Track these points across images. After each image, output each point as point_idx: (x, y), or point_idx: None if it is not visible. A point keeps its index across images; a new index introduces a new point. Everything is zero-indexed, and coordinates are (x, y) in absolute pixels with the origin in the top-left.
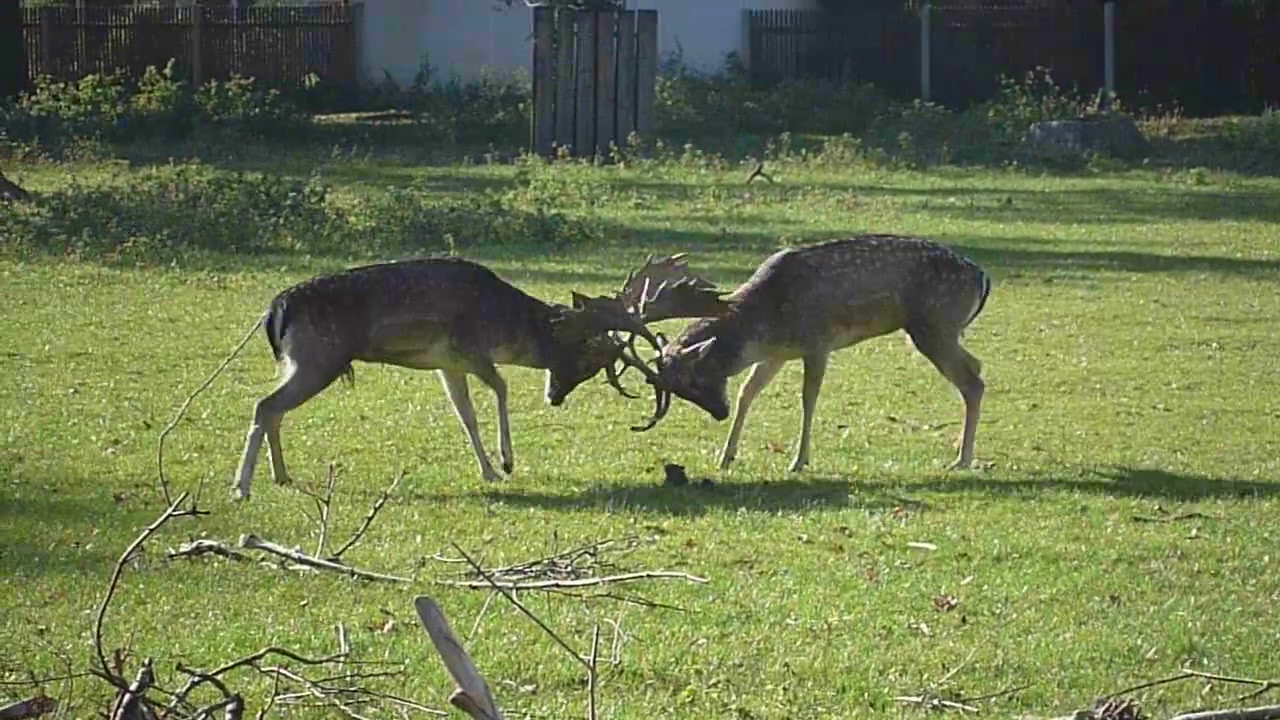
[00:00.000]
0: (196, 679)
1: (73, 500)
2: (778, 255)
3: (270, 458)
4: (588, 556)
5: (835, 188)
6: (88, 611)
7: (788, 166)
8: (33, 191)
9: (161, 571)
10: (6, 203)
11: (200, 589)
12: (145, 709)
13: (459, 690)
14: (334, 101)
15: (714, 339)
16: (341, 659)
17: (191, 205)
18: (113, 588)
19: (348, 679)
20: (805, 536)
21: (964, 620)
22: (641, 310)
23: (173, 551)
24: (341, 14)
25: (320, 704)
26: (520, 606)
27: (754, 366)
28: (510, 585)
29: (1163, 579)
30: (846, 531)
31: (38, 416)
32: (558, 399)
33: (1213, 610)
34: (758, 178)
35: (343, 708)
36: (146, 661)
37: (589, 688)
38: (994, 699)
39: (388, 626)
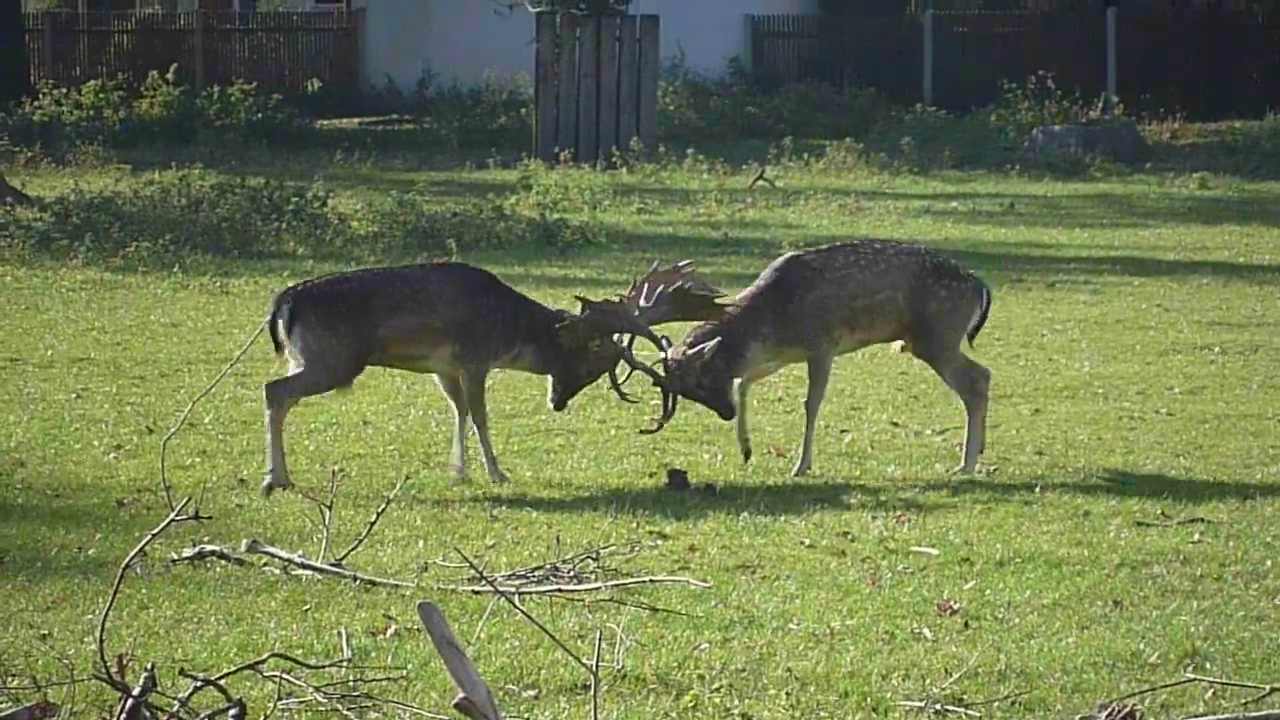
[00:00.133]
0: (199, 684)
1: (75, 505)
2: (782, 258)
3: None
4: (590, 561)
5: (837, 192)
6: (90, 616)
7: (790, 171)
8: (35, 196)
9: (164, 576)
10: (9, 208)
11: (203, 594)
12: (148, 714)
13: (461, 695)
14: (336, 106)
15: (719, 339)
16: (344, 664)
17: (194, 210)
18: (115, 593)
19: (350, 684)
20: (808, 541)
21: (966, 625)
22: (641, 313)
23: (175, 556)
24: (344, 19)
25: (323, 709)
26: (523, 611)
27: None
28: (513, 590)
29: (1165, 584)
30: (849, 536)
31: (40, 421)
32: (560, 404)
33: (1215, 615)
34: (760, 182)
35: (345, 713)
36: (149, 666)
37: (591, 693)
38: (996, 704)
39: (390, 631)
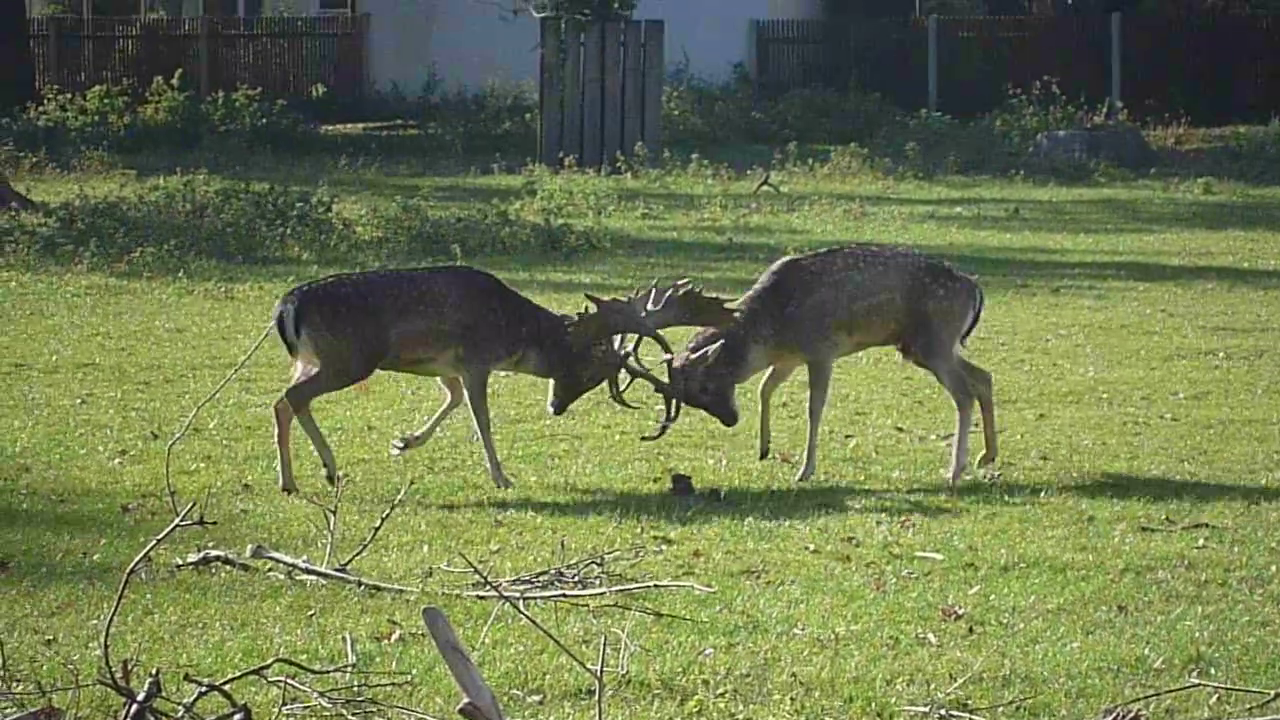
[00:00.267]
0: (204, 689)
1: (80, 510)
2: (779, 262)
3: (280, 464)
4: (595, 566)
5: (842, 198)
6: (95, 622)
7: (794, 176)
8: (40, 202)
9: (169, 581)
10: (14, 213)
11: (207, 599)
12: (152, 719)
13: (466, 700)
14: (341, 112)
15: (721, 342)
16: (349, 669)
17: (199, 215)
18: (120, 598)
19: (355, 689)
20: (812, 546)
21: (971, 630)
22: (647, 317)
23: (180, 561)
24: (348, 24)
25: (327, 714)
26: (527, 616)
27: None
28: (517, 595)
29: (1170, 589)
30: (853, 541)
31: (45, 427)
32: (560, 409)
33: (1220, 620)
34: (764, 188)
35: (350, 718)
36: (154, 671)
37: (596, 698)
38: (1001, 709)
39: (395, 636)
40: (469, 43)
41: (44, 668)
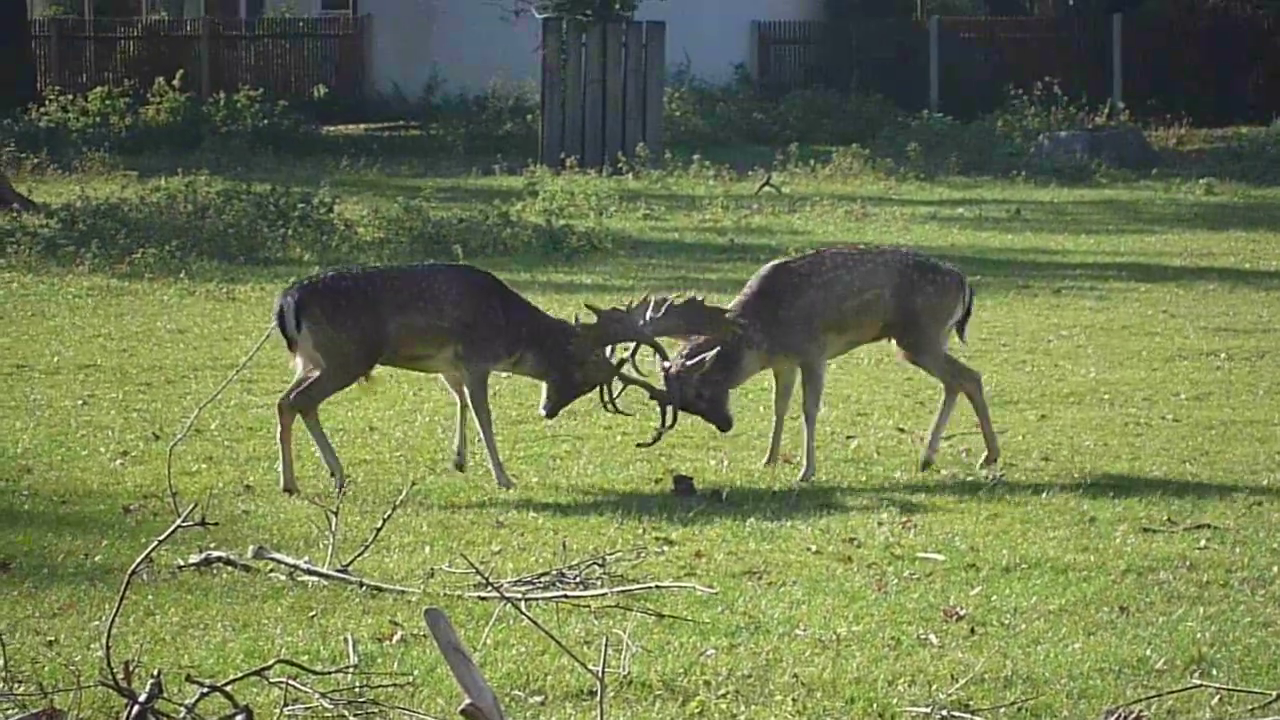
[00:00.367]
0: (205, 690)
1: (81, 512)
2: (768, 266)
3: (281, 465)
4: (596, 567)
5: (843, 198)
6: (97, 623)
7: (796, 177)
8: (41, 203)
9: (170, 583)
10: (15, 214)
11: (209, 600)
12: None
13: (468, 701)
14: (342, 113)
15: (717, 349)
16: (350, 670)
17: (200, 216)
18: (121, 599)
19: (356, 690)
20: (814, 547)
21: (973, 631)
22: (648, 324)
23: (181, 563)
24: (350, 25)
25: (329, 715)
26: (529, 617)
27: (779, 377)
28: (519, 596)
29: (1171, 590)
30: (855, 542)
31: (46, 428)
32: (552, 413)
33: (1222, 621)
34: (766, 188)
35: (351, 719)
36: (155, 673)
37: (598, 699)
38: (1003, 710)
39: (396, 637)
40: (470, 43)
41: (46, 669)
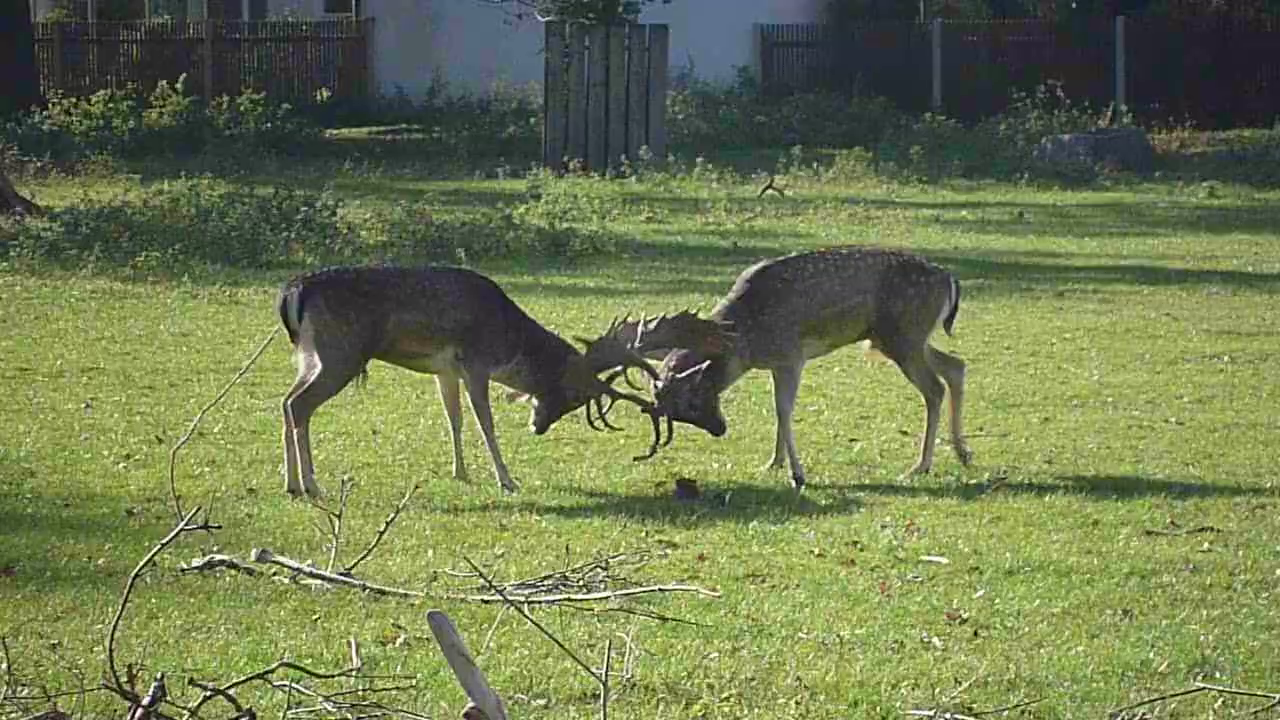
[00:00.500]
0: (209, 693)
1: (85, 515)
2: (751, 270)
3: (285, 466)
4: (599, 570)
5: (847, 201)
6: (100, 626)
7: (799, 180)
8: (45, 206)
9: (173, 586)
10: (19, 218)
11: (212, 603)
12: None
13: (471, 704)
14: (346, 116)
15: (707, 363)
16: (353, 673)
17: (203, 220)
18: (125, 602)
19: (360, 693)
20: (817, 550)
21: (976, 634)
22: (640, 340)
23: (185, 566)
24: (353, 28)
25: (332, 718)
26: (532, 620)
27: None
28: (522, 599)
29: (1175, 593)
30: (858, 545)
31: (49, 431)
32: (542, 428)
33: (1225, 624)
34: (769, 191)
35: None
36: (159, 676)
37: (601, 702)
38: (1006, 713)
39: (399, 640)
40: (473, 47)
41: (49, 672)
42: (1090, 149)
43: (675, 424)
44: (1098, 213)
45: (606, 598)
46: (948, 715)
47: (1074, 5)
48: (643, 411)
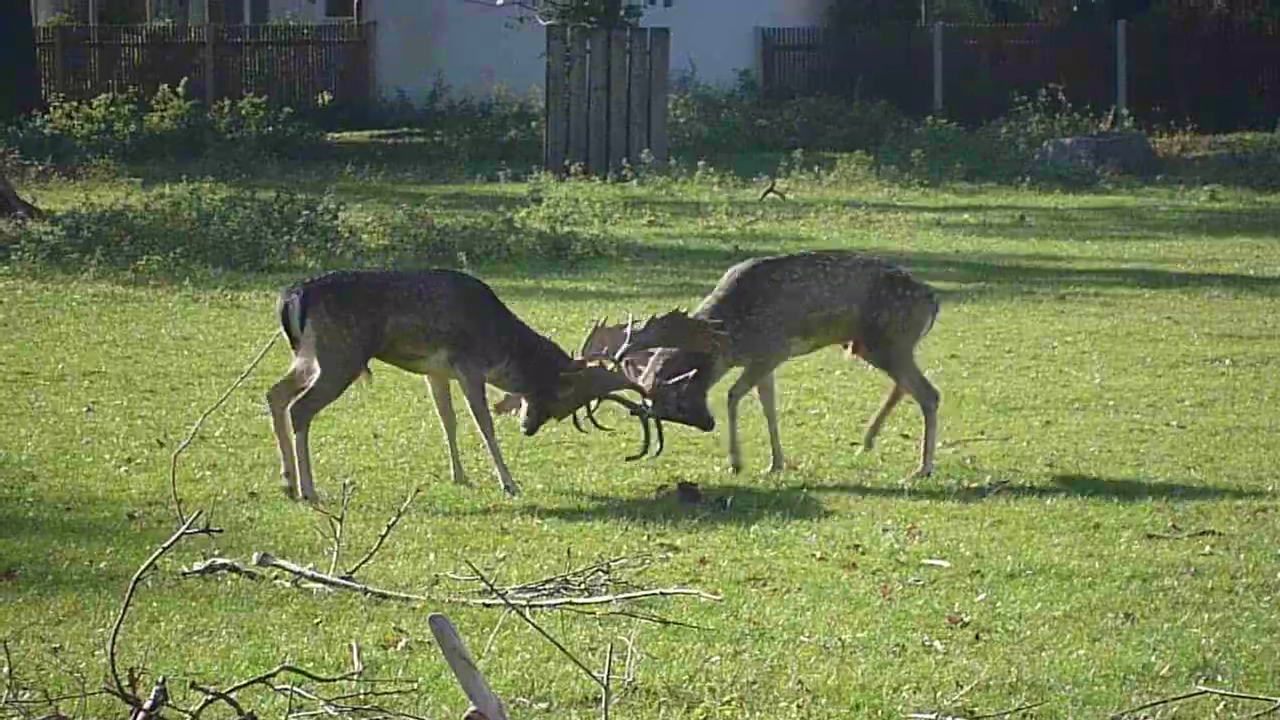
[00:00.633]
0: (210, 697)
1: (86, 518)
2: (739, 269)
3: (280, 453)
4: (601, 574)
5: (848, 205)
6: (101, 630)
7: (800, 184)
8: (46, 210)
9: (175, 589)
10: (20, 221)
11: (213, 607)
12: None
13: (472, 708)
14: (347, 120)
15: (695, 370)
16: (355, 677)
17: (204, 223)
18: (126, 606)
19: (361, 697)
20: (818, 554)
21: (977, 637)
22: (629, 340)
23: (186, 570)
24: (355, 32)
25: None
26: (533, 624)
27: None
28: (523, 603)
29: (1176, 596)
30: (859, 549)
31: (51, 435)
32: (532, 430)
33: (1226, 627)
34: (770, 195)
35: None
36: (160, 680)
37: (603, 705)
38: (1007, 716)
39: (401, 644)
40: (475, 50)
41: (50, 676)
42: (1092, 152)
43: (665, 424)
44: (1099, 216)
45: (608, 601)
46: (949, 719)
47: (1075, 9)
48: (632, 413)
